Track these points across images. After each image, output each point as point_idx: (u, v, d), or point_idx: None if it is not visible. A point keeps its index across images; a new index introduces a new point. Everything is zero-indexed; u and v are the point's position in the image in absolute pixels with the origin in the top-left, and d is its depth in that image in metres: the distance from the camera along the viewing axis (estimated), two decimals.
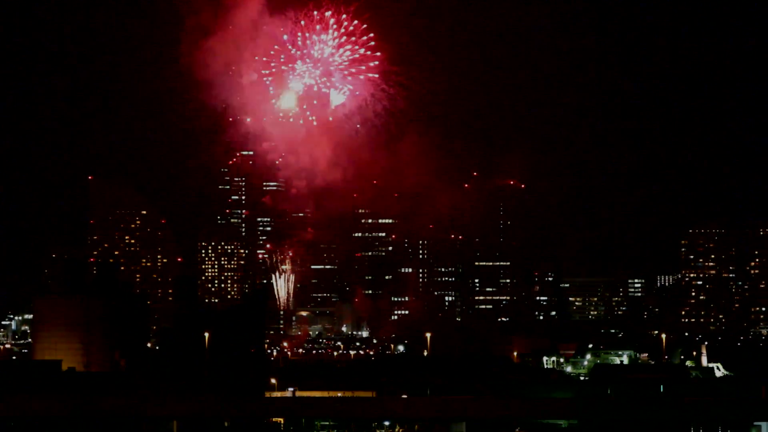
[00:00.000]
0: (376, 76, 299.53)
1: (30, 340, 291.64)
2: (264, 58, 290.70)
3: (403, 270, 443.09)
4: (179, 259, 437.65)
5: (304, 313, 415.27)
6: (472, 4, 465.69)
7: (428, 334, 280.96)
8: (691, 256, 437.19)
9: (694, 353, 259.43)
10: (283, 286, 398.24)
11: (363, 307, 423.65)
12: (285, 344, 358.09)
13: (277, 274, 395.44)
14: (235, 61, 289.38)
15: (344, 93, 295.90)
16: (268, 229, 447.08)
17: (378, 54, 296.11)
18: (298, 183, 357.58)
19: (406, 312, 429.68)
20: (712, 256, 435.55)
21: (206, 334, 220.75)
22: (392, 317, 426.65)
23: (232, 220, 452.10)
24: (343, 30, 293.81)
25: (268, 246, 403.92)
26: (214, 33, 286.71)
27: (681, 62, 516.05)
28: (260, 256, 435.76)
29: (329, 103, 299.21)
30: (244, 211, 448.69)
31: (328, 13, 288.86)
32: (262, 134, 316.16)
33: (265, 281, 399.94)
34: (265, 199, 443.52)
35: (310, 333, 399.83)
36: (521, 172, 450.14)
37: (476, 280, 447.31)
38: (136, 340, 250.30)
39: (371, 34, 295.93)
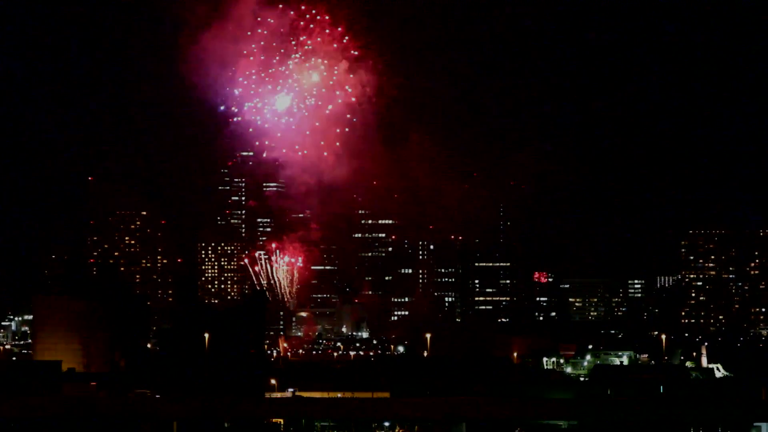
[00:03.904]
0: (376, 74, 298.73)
1: (30, 340, 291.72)
2: (261, 57, 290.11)
3: (403, 271, 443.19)
4: (179, 260, 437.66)
5: (304, 314, 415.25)
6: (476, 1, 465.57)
7: (428, 335, 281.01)
8: (691, 257, 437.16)
9: (694, 354, 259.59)
10: (284, 285, 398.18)
11: (370, 303, 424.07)
12: (285, 345, 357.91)
13: (277, 273, 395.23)
14: (233, 59, 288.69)
15: (345, 89, 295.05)
16: (268, 229, 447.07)
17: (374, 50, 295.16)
18: (308, 179, 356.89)
19: (406, 313, 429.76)
20: (712, 257, 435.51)
21: (206, 335, 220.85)
22: (392, 318, 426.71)
23: (232, 221, 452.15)
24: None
25: (273, 244, 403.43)
26: (212, 30, 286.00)
27: (681, 63, 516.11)
28: (260, 256, 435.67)
29: (330, 100, 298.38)
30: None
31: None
32: (261, 133, 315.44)
33: (264, 282, 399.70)
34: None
35: (310, 333, 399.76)
36: (521, 173, 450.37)
37: (476, 281, 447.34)
38: (136, 341, 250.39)
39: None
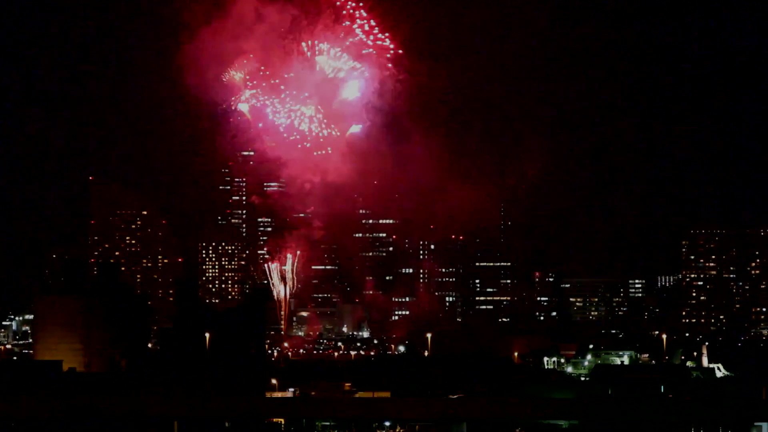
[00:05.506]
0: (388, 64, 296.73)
1: (30, 340, 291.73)
2: (262, 56, 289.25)
3: (403, 270, 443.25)
4: (180, 260, 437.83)
5: (304, 314, 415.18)
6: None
7: (429, 335, 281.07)
8: (692, 257, 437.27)
9: (695, 354, 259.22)
10: (286, 282, 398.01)
11: (371, 302, 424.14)
12: (285, 344, 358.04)
13: (277, 273, 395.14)
14: (233, 56, 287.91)
15: (353, 81, 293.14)
16: (269, 229, 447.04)
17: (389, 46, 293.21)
18: (310, 178, 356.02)
19: (407, 312, 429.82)
20: (713, 257, 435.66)
21: (207, 335, 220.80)
22: (393, 318, 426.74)
23: (232, 221, 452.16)
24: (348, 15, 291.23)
25: (278, 242, 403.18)
26: (212, 27, 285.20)
27: (681, 62, 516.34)
28: (261, 256, 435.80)
29: (333, 98, 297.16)
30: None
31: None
32: (262, 131, 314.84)
33: (265, 282, 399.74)
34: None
35: (311, 333, 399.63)
36: (522, 173, 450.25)
37: (477, 281, 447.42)
38: (137, 341, 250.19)
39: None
